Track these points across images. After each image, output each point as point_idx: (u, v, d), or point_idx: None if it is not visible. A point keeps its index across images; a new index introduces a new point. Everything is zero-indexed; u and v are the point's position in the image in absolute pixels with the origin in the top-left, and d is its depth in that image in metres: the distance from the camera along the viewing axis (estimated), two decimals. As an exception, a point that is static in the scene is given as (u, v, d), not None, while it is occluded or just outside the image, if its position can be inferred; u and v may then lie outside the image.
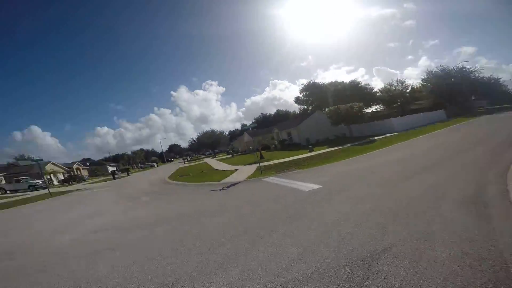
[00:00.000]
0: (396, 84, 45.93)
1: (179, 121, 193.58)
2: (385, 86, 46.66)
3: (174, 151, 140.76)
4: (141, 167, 68.99)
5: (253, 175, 15.17)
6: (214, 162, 31.62)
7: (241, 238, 5.14)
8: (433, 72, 45.92)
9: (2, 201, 20.28)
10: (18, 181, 30.07)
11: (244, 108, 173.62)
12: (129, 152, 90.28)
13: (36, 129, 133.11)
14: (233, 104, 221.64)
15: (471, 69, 43.42)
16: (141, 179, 26.78)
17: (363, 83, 47.87)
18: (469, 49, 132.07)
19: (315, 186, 8.91)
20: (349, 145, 22.99)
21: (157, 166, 64.09)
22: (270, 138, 25.94)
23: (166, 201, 11.55)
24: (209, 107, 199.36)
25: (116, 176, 35.31)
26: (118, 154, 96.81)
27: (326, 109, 32.55)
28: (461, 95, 42.74)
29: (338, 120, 30.37)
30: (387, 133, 27.50)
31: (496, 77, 45.97)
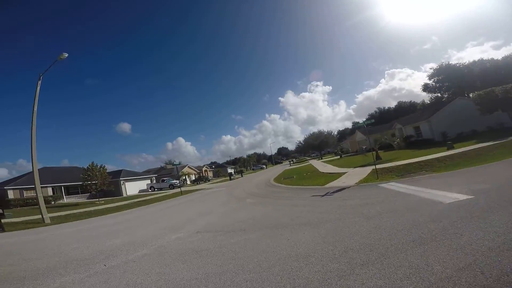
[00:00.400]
0: None
1: (287, 125, 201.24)
2: None
3: (282, 154, 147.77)
4: (253, 169, 75.40)
5: (366, 179, 12.54)
6: (319, 164, 29.64)
7: (332, 264, 3.60)
8: None
9: (150, 197, 25.82)
10: (163, 181, 38.90)
11: (355, 105, 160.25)
12: (245, 156, 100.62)
13: (181, 140, 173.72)
14: (342, 102, 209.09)
15: None
16: (251, 181, 28.29)
17: None
18: None
19: (461, 197, 6.08)
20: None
21: (266, 167, 68.07)
22: (391, 135, 21.20)
23: (266, 205, 10.95)
24: (315, 108, 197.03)
25: (232, 177, 39.37)
26: (236, 157, 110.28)
27: (472, 94, 24.13)
28: None
29: (492, 106, 22.17)
30: None
31: None
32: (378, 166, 14.45)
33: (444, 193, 6.71)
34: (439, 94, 45.49)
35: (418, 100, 62.27)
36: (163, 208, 15.42)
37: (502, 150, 13.22)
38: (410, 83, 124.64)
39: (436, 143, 24.82)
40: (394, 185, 9.63)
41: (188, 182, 48.58)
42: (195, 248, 5.65)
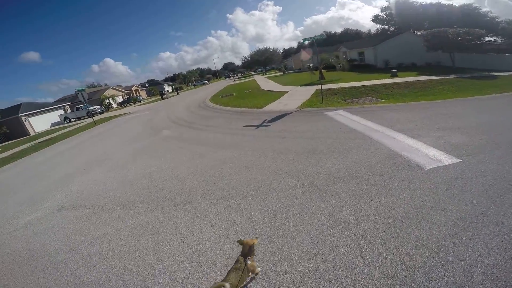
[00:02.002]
0: None
1: (235, 41, 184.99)
2: None
3: (228, 69, 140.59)
4: (194, 85, 68.77)
5: (309, 103, 10.78)
6: (262, 80, 27.20)
7: None
8: None
9: (57, 133, 18.91)
10: (78, 109, 31.23)
11: (303, 27, 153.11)
12: (184, 72, 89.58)
13: (109, 61, 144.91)
14: (290, 23, 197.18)
15: None
16: (184, 100, 24.40)
17: (483, 10, 33.06)
18: None
19: (443, 158, 4.35)
20: (453, 76, 15.73)
21: (209, 83, 62.74)
22: (335, 56, 19.49)
23: (182, 142, 8.20)
24: (264, 26, 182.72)
25: (164, 96, 34.27)
26: (175, 74, 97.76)
27: (423, 32, 23.38)
28: None
29: (438, 45, 22.22)
30: (509, 71, 18.94)
31: None
32: (323, 86, 12.76)
33: (416, 145, 5.04)
34: (386, 27, 45.02)
35: (363, 31, 61.57)
36: (50, 157, 10.67)
37: (447, 87, 12.79)
38: (359, 14, 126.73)
39: (378, 69, 24.90)
40: (344, 116, 7.99)
41: (115, 106, 41.08)
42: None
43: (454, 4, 35.18)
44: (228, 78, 65.07)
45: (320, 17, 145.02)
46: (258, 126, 8.15)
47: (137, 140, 9.77)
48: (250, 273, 2.37)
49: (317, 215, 3.25)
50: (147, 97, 55.10)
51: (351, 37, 57.40)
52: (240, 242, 2.41)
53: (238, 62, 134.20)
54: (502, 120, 6.13)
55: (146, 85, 73.15)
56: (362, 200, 3.39)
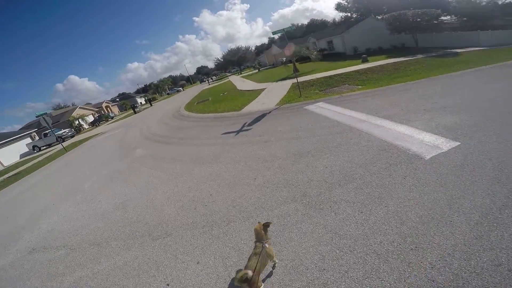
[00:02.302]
0: None
1: (205, 44, 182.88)
2: None
3: (202, 73, 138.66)
4: (168, 94, 66.44)
5: (288, 98, 10.37)
6: (238, 80, 26.58)
7: None
8: None
9: (23, 167, 16.18)
10: (46, 135, 28.07)
11: (271, 23, 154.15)
12: (156, 81, 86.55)
13: (73, 78, 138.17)
14: (259, 20, 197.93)
15: None
16: (158, 111, 23.11)
17: None
18: None
19: (440, 143, 4.06)
20: (420, 56, 16.01)
21: (184, 90, 60.95)
22: (305, 48, 19.26)
23: (158, 162, 7.42)
24: (234, 26, 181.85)
25: (137, 109, 32.07)
26: (146, 84, 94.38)
27: (386, 15, 23.83)
28: None
29: (401, 27, 22.86)
30: (469, 47, 19.83)
31: None
32: (299, 79, 12.46)
33: (408, 131, 4.72)
34: (349, 14, 45.88)
35: (327, 22, 62.62)
36: (19, 193, 9.29)
37: (417, 66, 12.89)
38: (321, 4, 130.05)
39: (348, 56, 25.21)
40: (325, 108, 7.63)
41: (86, 126, 38.53)
42: None
43: None
44: (203, 83, 62.80)
45: (286, 11, 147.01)
46: (238, 132, 7.58)
47: (109, 164, 8.88)
48: (270, 259, 2.40)
49: (317, 234, 2.77)
50: (120, 113, 52.53)
51: (317, 27, 58.12)
52: (255, 230, 2.45)
53: (211, 64, 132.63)
54: (485, 95, 6.03)
55: (117, 99, 69.99)
56: (365, 208, 2.95)
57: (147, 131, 13.15)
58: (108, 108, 53.95)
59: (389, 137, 4.65)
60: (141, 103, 48.09)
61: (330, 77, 12.91)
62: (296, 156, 4.84)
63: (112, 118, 38.42)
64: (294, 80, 13.81)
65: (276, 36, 78.55)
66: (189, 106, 17.52)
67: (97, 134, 21.89)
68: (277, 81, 15.96)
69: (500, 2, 33.53)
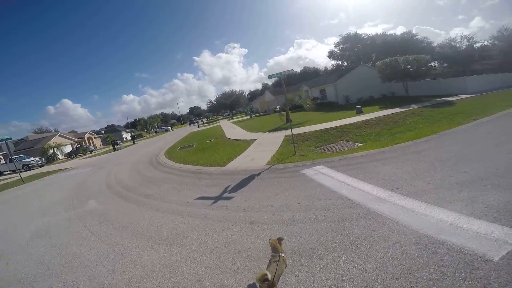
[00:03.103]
0: (460, 39, 35.68)
1: (201, 84, 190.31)
2: (446, 42, 36.47)
3: (194, 113, 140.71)
4: (156, 132, 65.43)
5: (280, 155, 9.06)
6: (228, 126, 25.71)
7: None
8: (511, 30, 35.68)
9: None
10: (12, 161, 25.99)
11: (266, 69, 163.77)
12: (146, 117, 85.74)
13: (67, 102, 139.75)
14: (255, 65, 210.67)
15: None
16: (137, 152, 21.60)
17: (420, 36, 37.29)
18: None
19: (509, 235, 2.81)
20: (414, 106, 15.71)
21: (172, 130, 59.93)
22: (299, 96, 18.79)
23: (98, 226, 5.87)
24: (231, 69, 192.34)
25: (117, 146, 30.12)
26: (136, 119, 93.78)
27: (377, 63, 24.42)
28: None
29: (392, 75, 22.77)
30: (457, 94, 19.88)
31: None
32: (292, 131, 11.40)
33: (452, 219, 3.43)
34: (340, 62, 48.31)
35: (319, 69, 66.23)
36: None
37: (416, 119, 12.30)
38: (314, 53, 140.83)
39: (341, 106, 25.05)
40: (328, 176, 6.24)
41: (61, 157, 36.32)
42: None
43: (396, 33, 39.19)
44: (192, 125, 61.63)
45: (281, 58, 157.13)
46: (216, 199, 6.01)
47: (49, 213, 7.37)
48: (285, 266, 2.77)
49: None
50: (101, 146, 50.29)
51: (309, 75, 60.92)
52: (271, 244, 2.93)
53: (204, 106, 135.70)
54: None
55: (102, 132, 68.21)
56: None
57: (114, 177, 11.48)
58: (91, 140, 51.79)
59: (428, 229, 3.25)
60: (126, 138, 46.10)
61: (325, 130, 11.95)
62: (294, 255, 3.28)
63: (91, 151, 36.40)
64: (287, 132, 12.79)
65: (270, 82, 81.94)
66: (171, 151, 16.02)
67: (66, 168, 19.90)
68: (269, 131, 14.95)
69: (475, 46, 36.34)
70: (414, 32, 37.72)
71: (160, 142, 26.89)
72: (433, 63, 30.69)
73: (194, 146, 15.96)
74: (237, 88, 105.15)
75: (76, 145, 42.83)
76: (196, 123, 52.70)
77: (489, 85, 23.07)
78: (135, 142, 35.52)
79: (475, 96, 18.16)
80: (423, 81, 24.80)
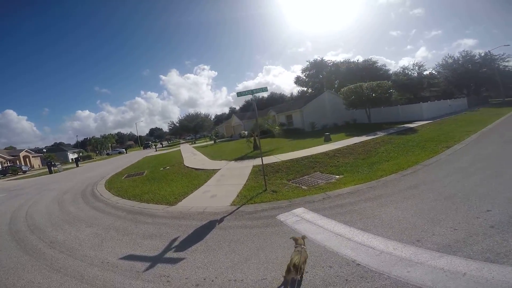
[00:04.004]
0: (412, 67, 39.50)
1: (165, 104, 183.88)
2: (401, 69, 40.09)
3: (155, 135, 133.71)
4: (107, 154, 58.71)
5: (248, 192, 7.38)
6: (189, 152, 23.43)
7: None
8: (454, 58, 40.97)
9: None
10: None
11: (234, 93, 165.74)
12: (99, 136, 77.86)
13: (11, 113, 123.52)
14: (224, 89, 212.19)
15: (498, 56, 37.53)
16: (74, 177, 18.20)
17: (379, 64, 40.42)
18: (469, 41, 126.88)
19: None
20: (380, 133, 15.67)
21: (126, 152, 54.43)
22: (267, 121, 17.64)
23: None
24: (199, 91, 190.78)
25: (54, 168, 25.81)
26: (86, 138, 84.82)
27: (343, 89, 24.97)
28: (484, 83, 37.94)
29: (357, 101, 23.16)
30: (415, 121, 20.88)
31: None
32: (260, 161, 9.99)
33: None
34: (305, 89, 49.92)
35: (285, 95, 68.15)
36: None
37: (387, 147, 11.79)
38: (281, 79, 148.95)
39: (307, 133, 24.71)
40: (315, 224, 4.77)
41: None
42: None
43: (358, 60, 41.80)
44: (148, 148, 53.93)
45: (250, 83, 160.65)
46: (153, 263, 4.02)
47: None
48: (307, 256, 3.17)
49: None
50: (40, 167, 43.21)
51: (276, 101, 61.71)
52: (293, 238, 3.46)
53: (167, 128, 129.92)
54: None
55: (44, 150, 59.61)
56: None
57: (26, 211, 8.78)
58: (27, 159, 44.33)
59: None
60: (72, 159, 39.98)
61: (296, 160, 10.74)
62: None
63: (24, 172, 30.95)
64: (256, 161, 11.36)
65: (237, 106, 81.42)
66: (114, 180, 13.30)
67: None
68: (235, 159, 13.30)
69: (424, 73, 40.39)
70: (373, 59, 40.63)
71: (107, 167, 23.35)
72: (392, 90, 32.87)
73: (145, 174, 13.51)
74: (203, 110, 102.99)
75: (7, 164, 36.10)
76: (154, 146, 48.09)
77: (440, 111, 25.02)
78: (79, 165, 30.72)
79: (432, 122, 19.08)
80: (383, 108, 25.83)
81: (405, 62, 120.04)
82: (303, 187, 7.52)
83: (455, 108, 28.43)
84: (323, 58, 45.03)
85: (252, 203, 6.34)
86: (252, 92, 7.61)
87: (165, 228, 5.58)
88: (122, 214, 7.09)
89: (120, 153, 55.06)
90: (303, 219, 4.97)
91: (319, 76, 44.96)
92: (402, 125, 19.04)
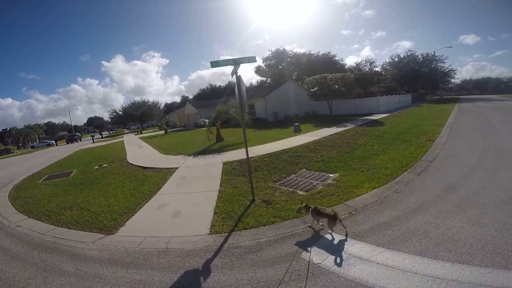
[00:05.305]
0: (365, 63, 41.21)
1: (107, 92, 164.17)
2: (355, 65, 41.41)
3: (94, 124, 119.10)
4: (32, 147, 48.55)
5: (231, 209, 5.04)
6: (134, 143, 19.66)
7: None
8: (400, 57, 44.07)
9: None
10: None
11: (187, 82, 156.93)
12: (21, 126, 64.23)
13: None
14: (176, 77, 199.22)
15: (437, 57, 41.50)
16: None
17: (337, 58, 40.81)
18: (407, 44, 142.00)
19: None
20: (349, 125, 14.88)
21: (56, 145, 45.63)
22: (233, 108, 15.04)
23: None
24: (147, 78, 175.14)
25: None
26: (5, 129, 69.40)
27: (307, 79, 23.94)
28: (422, 81, 41.80)
29: (320, 93, 22.56)
30: (373, 113, 21.36)
31: (455, 68, 43.81)
32: (232, 155, 7.96)
33: None
34: (264, 79, 48.59)
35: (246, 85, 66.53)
36: None
37: (366, 140, 10.85)
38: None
39: (271, 123, 23.47)
40: (389, 274, 2.90)
41: None
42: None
43: (319, 53, 41.68)
44: (74, 142, 43.95)
45: (204, 72, 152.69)
46: None
47: None
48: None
49: None
50: None
51: (234, 90, 59.08)
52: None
53: (108, 116, 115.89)
54: None
55: None
56: None
57: None
58: None
59: None
60: None
61: (275, 155, 8.87)
62: None
63: None
64: (225, 157, 9.30)
65: (190, 96, 75.47)
66: (26, 184, 9.51)
67: None
68: (195, 154, 10.78)
69: (375, 69, 42.90)
70: (332, 53, 40.93)
71: (26, 164, 18.20)
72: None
73: (72, 175, 10.09)
74: (151, 98, 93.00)
75: None
76: (92, 138, 40.60)
77: (391, 105, 26.31)
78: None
79: (390, 115, 19.35)
80: (342, 100, 25.80)
81: (351, 60, 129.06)
82: (299, 192, 5.68)
83: (402, 103, 30.27)
84: (285, 48, 43.89)
85: (245, 228, 4.14)
86: (234, 62, 5.33)
87: (98, 283, 3.11)
88: (22, 251, 4.23)
89: (48, 145, 45.93)
90: (350, 255, 3.08)
91: (278, 67, 43.78)
92: (364, 117, 18.88)
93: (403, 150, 8.77)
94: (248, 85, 64.22)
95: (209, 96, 54.45)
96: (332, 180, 6.35)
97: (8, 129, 67.56)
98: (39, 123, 72.07)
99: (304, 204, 3.97)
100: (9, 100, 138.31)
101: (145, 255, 3.65)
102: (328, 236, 3.62)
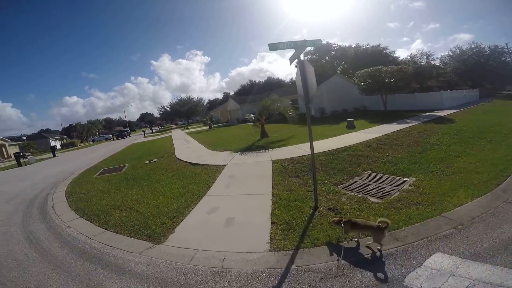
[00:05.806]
0: (420, 56, 36.83)
1: (156, 90, 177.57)
2: (409, 58, 37.31)
3: (145, 120, 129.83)
4: (93, 140, 54.37)
5: (291, 218, 4.28)
6: (181, 139, 20.22)
7: None
8: (462, 49, 38.54)
9: None
10: None
11: (227, 79, 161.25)
12: (84, 122, 72.41)
13: None
14: (217, 74, 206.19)
15: (510, 49, 35.25)
16: (41, 171, 14.70)
17: (389, 50, 37.27)
18: (465, 36, 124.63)
19: None
20: (413, 122, 12.89)
21: (113, 139, 50.23)
22: (276, 103, 14.14)
23: None
24: (191, 76, 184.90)
25: (25, 159, 21.61)
26: (71, 124, 79.28)
27: (358, 72, 21.97)
28: (488, 76, 35.90)
29: (373, 86, 20.51)
30: (436, 109, 18.55)
31: None
32: (280, 153, 7.21)
33: None
34: None
35: (283, 81, 64.33)
36: None
37: (438, 138, 9.27)
38: (275, 66, 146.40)
39: (317, 119, 22.05)
40: None
41: None
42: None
43: (368, 45, 38.56)
44: (123, 138, 46.60)
45: (243, 69, 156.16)
46: None
47: None
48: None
49: None
50: (10, 157, 38.34)
51: (274, 86, 57.92)
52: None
53: (157, 113, 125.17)
54: None
55: (24, 138, 54.87)
56: None
57: None
58: (3, 148, 39.91)
59: None
60: (55, 147, 35.08)
61: (332, 153, 7.88)
62: None
63: None
64: (272, 154, 8.61)
65: (231, 92, 76.57)
66: (83, 178, 9.99)
67: None
68: (241, 150, 10.31)
69: (433, 63, 38.05)
70: (383, 45, 37.54)
71: (87, 156, 20.00)
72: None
73: (124, 169, 10.42)
74: (195, 96, 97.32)
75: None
76: (143, 132, 43.80)
77: (456, 101, 22.78)
78: (56, 155, 26.93)
79: (458, 111, 16.60)
80: (397, 95, 23.20)
81: (401, 53, 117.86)
82: (371, 199, 4.69)
83: (469, 98, 26.10)
84: (328, 42, 41.23)
85: (314, 244, 3.35)
86: (296, 45, 4.53)
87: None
88: (67, 258, 4.01)
89: (106, 139, 50.99)
90: (474, 281, 2.14)
91: (321, 61, 41.30)
92: (426, 113, 16.45)
93: (491, 151, 7.15)
94: (288, 80, 62.60)
95: (249, 92, 54.38)
96: (410, 186, 5.20)
97: (74, 124, 77.12)
98: (99, 119, 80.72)
99: (338, 218, 3.53)
100: (75, 98, 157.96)
101: (198, 275, 3.09)
102: (428, 262, 2.64)
